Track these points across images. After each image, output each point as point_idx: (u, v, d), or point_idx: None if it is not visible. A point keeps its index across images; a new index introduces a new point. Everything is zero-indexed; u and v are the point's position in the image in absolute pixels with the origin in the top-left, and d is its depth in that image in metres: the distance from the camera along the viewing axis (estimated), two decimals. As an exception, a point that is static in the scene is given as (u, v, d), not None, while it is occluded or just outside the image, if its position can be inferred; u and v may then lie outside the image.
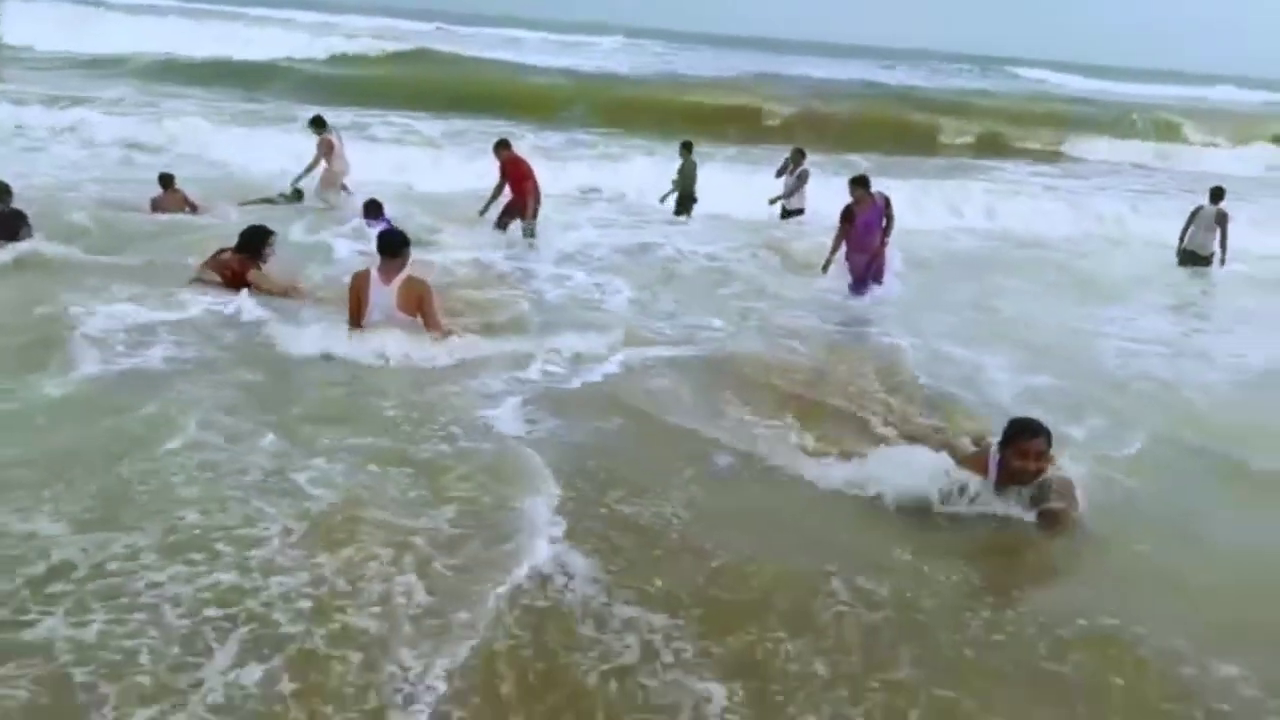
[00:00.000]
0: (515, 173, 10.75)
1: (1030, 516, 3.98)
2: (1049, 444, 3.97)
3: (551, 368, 5.48)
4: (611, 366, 5.62)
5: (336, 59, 31.42)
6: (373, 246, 8.59)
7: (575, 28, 77.71)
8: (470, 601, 2.91)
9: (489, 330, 6.24)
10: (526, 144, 13.48)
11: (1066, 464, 4.08)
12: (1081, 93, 47.66)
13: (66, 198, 10.43)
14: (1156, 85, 58.79)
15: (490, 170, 11.13)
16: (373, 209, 9.93)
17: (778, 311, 7.81)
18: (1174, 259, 11.87)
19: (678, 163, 13.37)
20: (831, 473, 4.24)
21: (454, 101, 26.00)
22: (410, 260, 6.13)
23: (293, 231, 9.20)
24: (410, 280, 5.99)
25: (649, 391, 5.27)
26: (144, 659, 2.47)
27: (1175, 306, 9.70)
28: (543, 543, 3.30)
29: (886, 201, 9.30)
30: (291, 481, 3.54)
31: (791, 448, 4.54)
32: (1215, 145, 29.87)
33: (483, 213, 10.85)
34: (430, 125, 21.90)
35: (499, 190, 10.84)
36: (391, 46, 34.09)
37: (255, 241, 7.08)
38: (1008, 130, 27.21)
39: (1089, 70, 67.91)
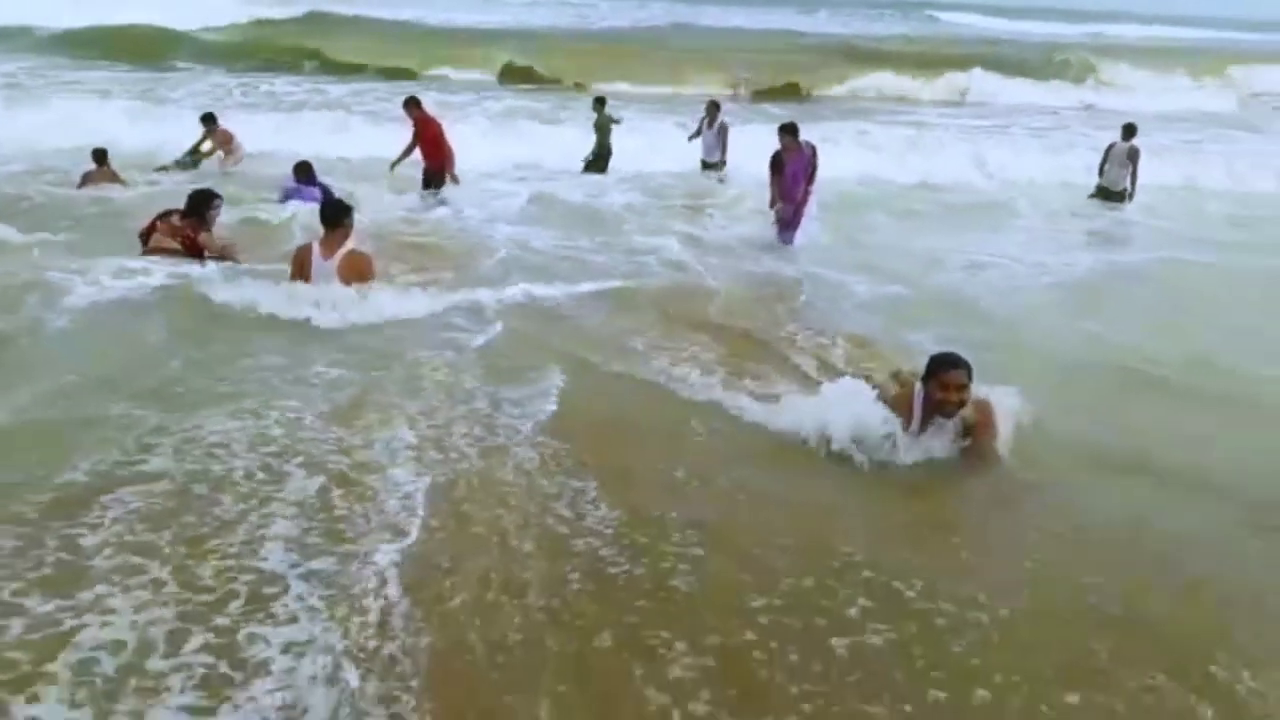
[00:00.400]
0: (427, 132, 11.37)
1: (951, 452, 4.46)
2: (969, 376, 4.41)
3: (497, 303, 6.63)
4: (540, 302, 6.84)
5: (225, 28, 31.61)
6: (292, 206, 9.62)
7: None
8: (440, 443, 4.30)
9: (431, 279, 7.32)
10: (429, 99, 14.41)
11: (987, 389, 4.61)
12: (1005, 34, 50.19)
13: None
14: (1072, 25, 61.90)
15: (401, 131, 11.80)
16: (302, 171, 10.44)
17: (692, 252, 9.01)
18: (1067, 193, 13.35)
19: (593, 118, 14.27)
20: (753, 407, 4.89)
21: (354, 65, 26.97)
22: (354, 230, 6.49)
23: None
24: (353, 255, 6.33)
25: (572, 320, 6.55)
26: (237, 477, 3.79)
27: (1036, 230, 11.39)
28: (491, 410, 4.71)
29: (814, 151, 9.77)
30: (306, 381, 4.85)
31: (709, 381, 5.41)
32: (1110, 84, 32.37)
33: (393, 168, 11.58)
34: (335, 89, 22.73)
35: (411, 147, 11.49)
36: (281, 12, 34.27)
37: (202, 204, 7.52)
38: (920, 74, 29.10)
39: (1011, 12, 71.12)
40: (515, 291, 6.91)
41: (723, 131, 13.72)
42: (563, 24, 40.11)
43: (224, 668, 2.76)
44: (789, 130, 9.62)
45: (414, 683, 2.77)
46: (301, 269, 6.35)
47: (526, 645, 3.00)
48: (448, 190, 11.45)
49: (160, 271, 6.83)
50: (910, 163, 15.71)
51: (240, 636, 2.90)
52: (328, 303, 6.02)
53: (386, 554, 3.40)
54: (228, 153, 12.85)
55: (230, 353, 5.32)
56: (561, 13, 47.32)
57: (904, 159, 15.93)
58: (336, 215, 6.44)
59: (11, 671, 2.66)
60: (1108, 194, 13.09)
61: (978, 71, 29.81)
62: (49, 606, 2.94)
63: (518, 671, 2.88)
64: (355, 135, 16.10)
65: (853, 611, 3.31)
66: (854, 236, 10.22)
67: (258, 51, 27.99)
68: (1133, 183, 12.93)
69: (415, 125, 11.47)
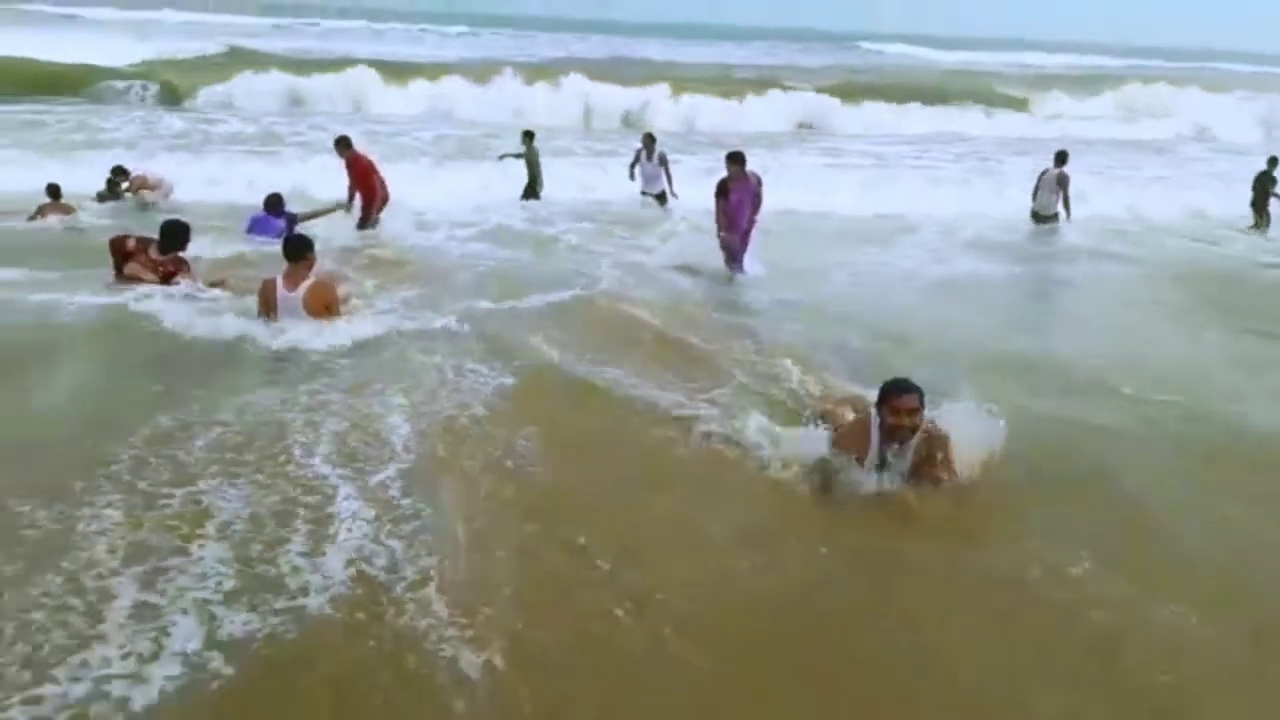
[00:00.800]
0: (356, 169, 12.23)
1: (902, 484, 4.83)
2: (921, 401, 4.65)
3: (465, 310, 8.09)
4: (501, 310, 8.37)
5: (148, 63, 32.89)
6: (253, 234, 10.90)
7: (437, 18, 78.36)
8: (422, 403, 5.90)
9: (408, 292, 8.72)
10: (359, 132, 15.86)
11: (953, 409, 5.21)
12: (931, 64, 53.75)
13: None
14: (991, 54, 66.23)
15: (331, 167, 12.75)
16: (273, 203, 11.54)
17: (627, 270, 10.46)
18: (972, 216, 15.31)
19: (522, 150, 15.84)
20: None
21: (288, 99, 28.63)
22: (315, 262, 7.21)
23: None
24: (316, 286, 7.02)
25: (527, 324, 8.02)
26: (285, 422, 5.41)
27: (920, 244, 13.46)
28: (458, 382, 6.35)
29: (759, 181, 10.32)
30: (319, 371, 6.40)
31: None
32: (1021, 110, 35.45)
33: (348, 210, 12.36)
34: (272, 123, 24.20)
35: (354, 188, 12.35)
36: (197, 49, 35.74)
37: (179, 237, 8.23)
38: (848, 104, 31.57)
39: (935, 42, 75.71)
40: (479, 301, 8.51)
41: (663, 161, 15.20)
42: (499, 55, 42.06)
43: (316, 528, 4.34)
44: (735, 159, 10.20)
45: (420, 543, 4.31)
46: (267, 302, 7.07)
47: (482, 528, 4.54)
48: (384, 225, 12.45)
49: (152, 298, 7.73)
50: (833, 190, 17.57)
51: (317, 513, 4.49)
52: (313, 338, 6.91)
53: (389, 468, 5.02)
54: (150, 188, 13.61)
55: (242, 357, 6.72)
56: (499, 45, 49.36)
57: (824, 187, 17.81)
58: (299, 249, 7.12)
59: (177, 532, 4.23)
60: (1040, 218, 14.51)
61: (912, 105, 32.36)
62: (182, 492, 4.53)
63: (479, 542, 4.40)
64: (288, 168, 17.28)
65: (734, 510, 4.94)
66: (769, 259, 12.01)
67: (187, 86, 29.28)
68: (1066, 207, 14.31)
69: (347, 165, 12.28)
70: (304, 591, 3.88)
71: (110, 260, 8.28)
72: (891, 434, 4.76)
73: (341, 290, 7.72)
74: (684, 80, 32.41)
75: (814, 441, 5.18)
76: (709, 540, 4.66)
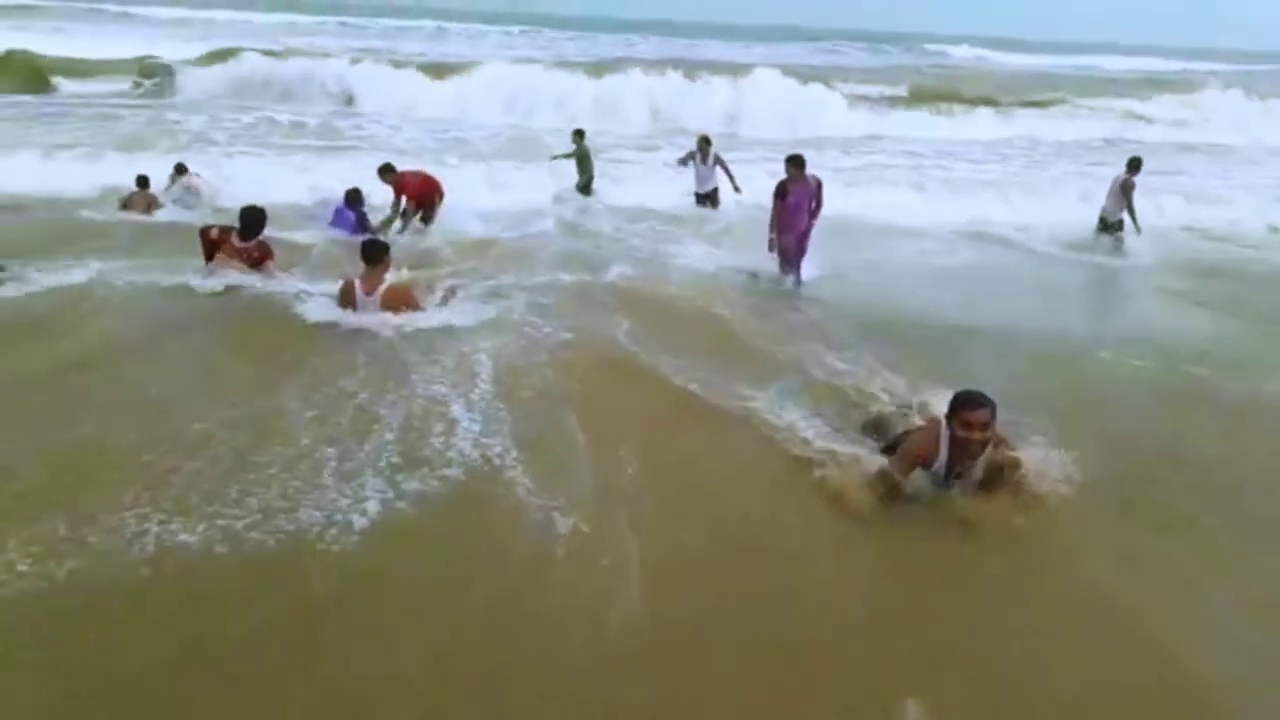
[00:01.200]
0: (404, 189, 13.09)
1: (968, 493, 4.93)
2: (993, 415, 4.65)
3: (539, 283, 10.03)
4: (567, 285, 10.14)
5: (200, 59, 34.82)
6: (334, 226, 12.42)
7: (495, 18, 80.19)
8: (500, 348, 7.69)
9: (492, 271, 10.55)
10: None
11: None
12: (998, 67, 54.60)
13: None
14: (1062, 56, 66.53)
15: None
16: (352, 197, 12.89)
17: (675, 262, 12.01)
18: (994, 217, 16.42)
19: (573, 149, 17.28)
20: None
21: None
22: (390, 263, 8.23)
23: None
24: (393, 289, 7.97)
25: (583, 299, 9.71)
26: (410, 362, 7.27)
27: (944, 240, 15.01)
28: (530, 332, 8.08)
29: (819, 184, 10.74)
30: (419, 330, 8.12)
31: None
32: (1090, 114, 36.09)
33: (384, 229, 12.81)
34: (338, 121, 26.03)
35: (398, 207, 13.15)
36: (260, 46, 37.62)
37: (258, 221, 8.99)
38: (908, 109, 32.83)
39: (1018, 45, 76.39)
40: (547, 278, 10.32)
41: (719, 162, 16.22)
42: (557, 54, 43.90)
43: (445, 426, 6.20)
44: (794, 161, 10.67)
45: (509, 441, 6.04)
46: (347, 299, 8.05)
47: (549, 434, 6.26)
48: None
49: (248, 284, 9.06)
50: (886, 193, 18.65)
51: (443, 417, 6.35)
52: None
53: (479, 389, 6.88)
54: (195, 196, 14.69)
55: (350, 329, 8.11)
56: (557, 46, 51.24)
57: (876, 190, 18.92)
58: (375, 253, 8.07)
59: (361, 433, 6.07)
60: (1106, 225, 14.74)
61: (979, 109, 33.44)
62: (347, 405, 6.36)
63: (547, 444, 6.09)
64: (340, 164, 18.20)
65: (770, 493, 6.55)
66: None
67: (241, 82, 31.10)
68: (1132, 215, 14.44)
69: (394, 188, 13.12)
70: (447, 465, 5.76)
71: (200, 249, 9.27)
72: (962, 447, 4.86)
73: (424, 277, 9.23)
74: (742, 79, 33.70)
75: (872, 451, 5.57)
76: (734, 491, 5.89)
